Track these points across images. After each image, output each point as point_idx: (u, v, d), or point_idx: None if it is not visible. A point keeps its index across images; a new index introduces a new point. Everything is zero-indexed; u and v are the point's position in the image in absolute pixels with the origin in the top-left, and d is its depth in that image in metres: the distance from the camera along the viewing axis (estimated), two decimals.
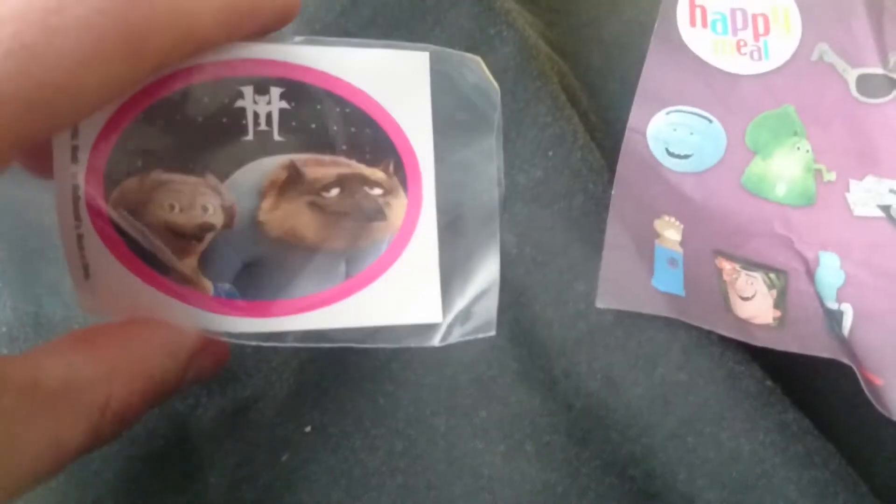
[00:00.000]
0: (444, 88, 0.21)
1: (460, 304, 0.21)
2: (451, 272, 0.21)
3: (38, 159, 0.19)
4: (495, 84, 0.21)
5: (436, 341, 0.21)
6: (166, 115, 0.19)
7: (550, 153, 0.25)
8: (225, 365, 0.21)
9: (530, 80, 0.26)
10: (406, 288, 0.21)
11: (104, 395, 0.17)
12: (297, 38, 0.20)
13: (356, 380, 0.23)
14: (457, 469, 0.22)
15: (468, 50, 0.26)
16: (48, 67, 0.15)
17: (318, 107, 0.20)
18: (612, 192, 0.25)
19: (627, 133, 0.27)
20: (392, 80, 0.20)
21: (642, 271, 0.24)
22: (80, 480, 0.23)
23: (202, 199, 0.20)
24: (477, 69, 0.21)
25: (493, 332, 0.21)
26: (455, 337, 0.21)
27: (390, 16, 0.27)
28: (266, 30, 0.19)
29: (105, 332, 0.19)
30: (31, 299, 0.24)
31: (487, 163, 0.21)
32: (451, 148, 0.21)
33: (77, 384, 0.17)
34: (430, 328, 0.21)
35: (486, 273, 0.21)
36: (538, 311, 0.24)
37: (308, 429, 0.22)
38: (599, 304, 0.23)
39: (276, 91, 0.20)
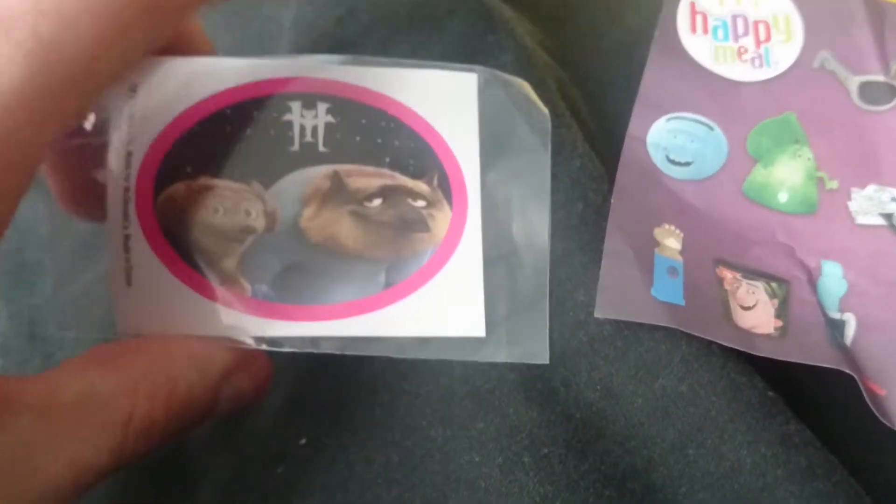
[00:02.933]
0: (493, 110, 0.21)
1: (506, 322, 0.21)
2: (497, 294, 0.21)
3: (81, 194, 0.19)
4: (544, 109, 0.21)
5: (481, 356, 0.21)
6: (217, 127, 0.20)
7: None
8: (266, 390, 0.20)
9: None
10: (448, 300, 0.21)
11: (126, 411, 0.17)
12: (344, 58, 0.21)
13: (351, 391, 0.23)
14: (454, 481, 0.21)
15: (467, 57, 0.26)
16: (69, 58, 0.15)
17: (364, 121, 0.21)
18: (612, 201, 0.25)
19: (627, 140, 0.27)
20: (438, 97, 0.21)
21: (642, 281, 0.24)
22: None
23: (246, 204, 0.20)
24: (523, 94, 0.22)
25: (546, 361, 0.21)
26: (502, 357, 0.21)
27: (388, 24, 0.27)
28: None
29: (126, 347, 0.18)
30: (24, 311, 0.24)
31: (540, 190, 0.22)
32: (500, 171, 0.21)
33: (97, 400, 0.17)
34: (475, 343, 0.21)
35: (536, 298, 0.21)
36: None
37: (303, 441, 0.22)
38: (598, 315, 0.23)
39: (322, 106, 0.20)
